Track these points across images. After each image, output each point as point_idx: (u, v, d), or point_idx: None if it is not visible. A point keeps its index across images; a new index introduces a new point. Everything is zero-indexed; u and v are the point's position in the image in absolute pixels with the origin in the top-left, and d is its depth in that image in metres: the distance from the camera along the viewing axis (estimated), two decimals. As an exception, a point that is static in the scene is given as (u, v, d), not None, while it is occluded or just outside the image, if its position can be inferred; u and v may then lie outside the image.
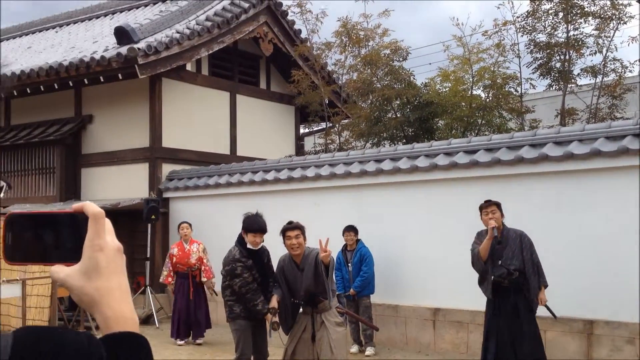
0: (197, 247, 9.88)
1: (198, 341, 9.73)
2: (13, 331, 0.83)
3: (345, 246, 9.07)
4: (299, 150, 15.50)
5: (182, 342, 9.65)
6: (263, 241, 6.24)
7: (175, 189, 12.38)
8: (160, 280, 10.24)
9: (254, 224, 6.11)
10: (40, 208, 11.15)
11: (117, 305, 0.95)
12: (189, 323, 9.70)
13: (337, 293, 6.37)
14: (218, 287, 10.11)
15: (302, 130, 16.52)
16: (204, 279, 9.77)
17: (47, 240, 0.97)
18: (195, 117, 13.26)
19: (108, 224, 0.99)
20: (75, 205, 0.99)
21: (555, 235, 7.90)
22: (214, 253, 11.24)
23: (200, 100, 13.43)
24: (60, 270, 0.97)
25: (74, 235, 0.97)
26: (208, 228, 11.74)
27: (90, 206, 0.98)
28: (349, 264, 8.93)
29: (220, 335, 10.34)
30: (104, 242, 0.97)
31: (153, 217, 11.38)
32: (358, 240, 9.05)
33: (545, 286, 6.68)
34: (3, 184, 0.89)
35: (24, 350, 0.79)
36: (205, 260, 9.83)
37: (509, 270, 6.49)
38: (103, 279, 0.95)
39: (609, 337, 7.44)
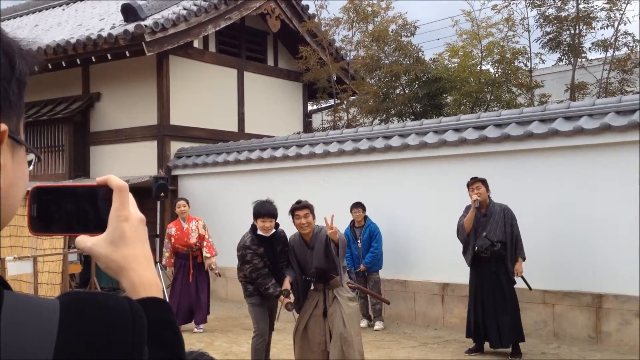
0: (197, 224, 9.03)
1: (197, 329, 8.89)
2: (57, 297, 0.85)
3: (352, 222, 9.09)
4: (307, 127, 15.47)
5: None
6: (278, 226, 6.20)
7: (183, 166, 12.41)
8: (163, 262, 9.37)
9: (261, 209, 6.07)
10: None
11: (143, 272, 1.01)
12: (190, 308, 8.92)
13: (347, 269, 6.41)
14: (220, 265, 10.11)
15: (310, 107, 16.48)
16: (207, 255, 8.92)
17: (71, 211, 1.00)
18: (203, 94, 13.24)
19: (130, 196, 1.03)
20: (99, 179, 1.02)
21: (566, 210, 7.90)
22: (223, 230, 11.29)
23: (207, 77, 13.39)
24: (86, 240, 1.01)
25: (99, 207, 1.00)
26: (217, 205, 11.79)
27: (114, 179, 1.02)
28: (358, 241, 8.96)
29: (229, 310, 10.42)
30: (129, 213, 1.01)
31: (162, 194, 11.40)
32: (366, 217, 9.08)
33: (523, 258, 7.19)
34: (33, 156, 0.91)
35: (70, 316, 0.81)
36: (207, 237, 9.02)
37: (492, 242, 7.02)
38: (129, 247, 1.00)
39: (617, 311, 7.47)
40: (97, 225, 1.00)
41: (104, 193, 1.00)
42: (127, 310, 0.85)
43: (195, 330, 8.92)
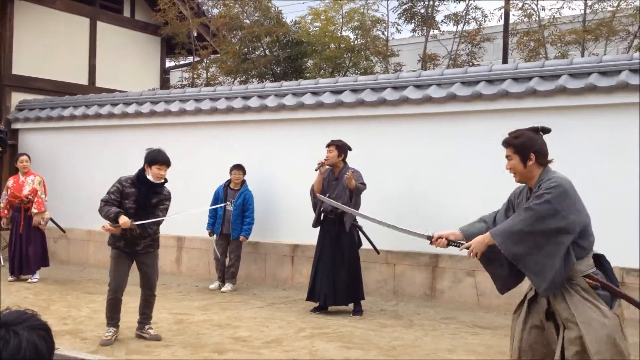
0: (33, 178, 9.27)
1: (31, 280, 9.05)
2: None
3: (229, 182, 8.87)
4: (164, 84, 14.90)
5: (12, 278, 9.03)
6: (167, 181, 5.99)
7: (25, 119, 11.57)
8: None
9: (159, 156, 5.90)
10: None
11: None
12: (21, 259, 9.13)
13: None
14: (62, 225, 9.69)
15: (168, 64, 15.87)
16: (34, 211, 9.09)
17: None
18: (51, 43, 12.37)
19: None
20: None
21: (413, 171, 8.21)
22: (65, 188, 10.74)
23: (57, 25, 12.52)
24: None
25: None
26: (60, 162, 11.15)
27: None
28: (228, 202, 8.76)
29: (71, 273, 9.92)
30: None
31: (0, 149, 10.64)
32: (244, 182, 8.90)
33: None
34: None
35: None
36: (39, 193, 9.18)
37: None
38: None
39: (451, 270, 7.89)
40: None
41: None
42: None
43: (30, 280, 9.06)
